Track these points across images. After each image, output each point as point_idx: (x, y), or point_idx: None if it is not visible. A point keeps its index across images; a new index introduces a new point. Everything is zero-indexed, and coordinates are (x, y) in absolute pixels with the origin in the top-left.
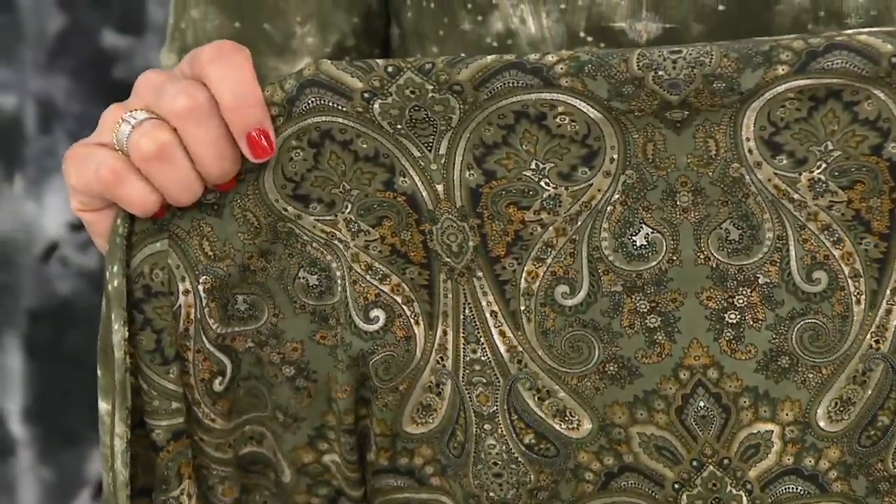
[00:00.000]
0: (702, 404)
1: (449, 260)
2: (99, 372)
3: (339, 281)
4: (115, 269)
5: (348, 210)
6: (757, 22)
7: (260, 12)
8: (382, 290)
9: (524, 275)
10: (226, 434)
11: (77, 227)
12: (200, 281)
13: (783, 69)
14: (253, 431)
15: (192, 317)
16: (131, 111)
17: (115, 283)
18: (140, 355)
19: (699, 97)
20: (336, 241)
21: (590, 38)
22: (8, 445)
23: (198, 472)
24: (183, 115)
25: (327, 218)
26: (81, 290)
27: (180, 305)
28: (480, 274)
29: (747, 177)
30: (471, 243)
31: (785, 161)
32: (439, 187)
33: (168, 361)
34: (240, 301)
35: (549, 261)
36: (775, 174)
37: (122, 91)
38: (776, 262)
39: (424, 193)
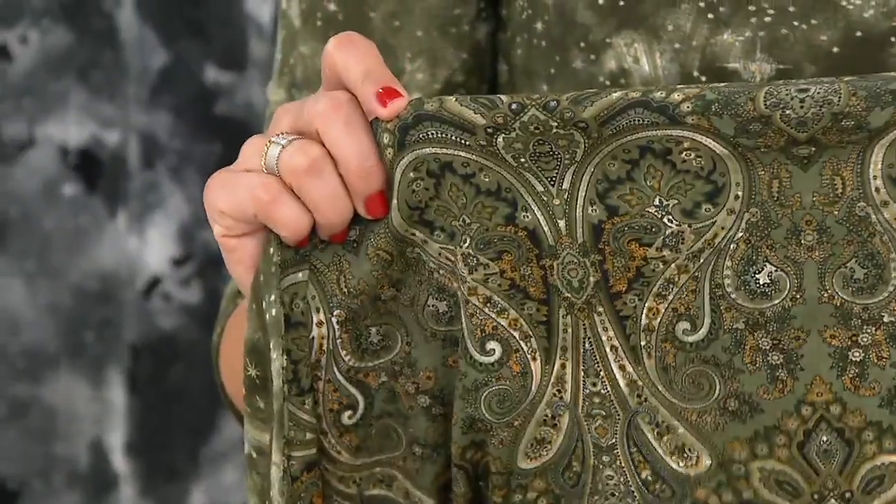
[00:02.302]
0: (824, 438)
1: (569, 295)
2: (260, 404)
3: (462, 309)
4: (273, 297)
5: (466, 244)
6: (871, 65)
7: None
8: (500, 324)
9: (645, 311)
10: (350, 469)
11: (179, 262)
12: (334, 314)
13: None
14: (383, 474)
15: (324, 347)
16: (278, 134)
17: (273, 312)
18: None
19: (827, 134)
20: (457, 272)
21: (703, 78)
22: (111, 479)
23: (327, 501)
24: (325, 120)
25: (449, 247)
26: (183, 325)
27: (314, 337)
28: (601, 309)
29: (873, 216)
30: (592, 279)
31: None
32: (561, 223)
33: (304, 392)
34: (373, 333)
35: (670, 297)
36: None
37: (223, 126)
38: None
39: (546, 229)
